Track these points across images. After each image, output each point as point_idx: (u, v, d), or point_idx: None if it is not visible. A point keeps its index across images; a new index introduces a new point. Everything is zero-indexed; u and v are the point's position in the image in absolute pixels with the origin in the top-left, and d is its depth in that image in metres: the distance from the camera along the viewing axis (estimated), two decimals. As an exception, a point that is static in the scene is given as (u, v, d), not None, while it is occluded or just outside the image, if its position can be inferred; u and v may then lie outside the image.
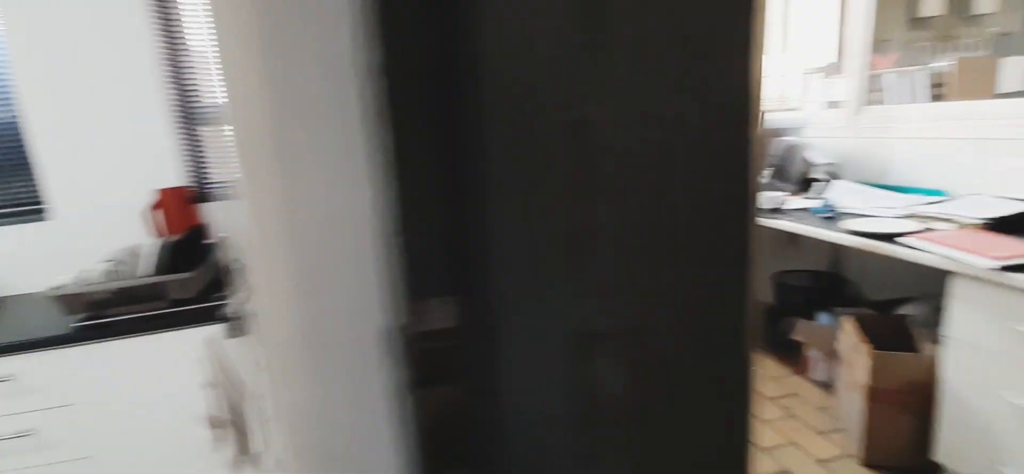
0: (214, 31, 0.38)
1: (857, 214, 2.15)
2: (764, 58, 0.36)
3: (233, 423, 1.17)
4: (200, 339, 1.63)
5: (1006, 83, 10.16)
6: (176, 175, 2.05)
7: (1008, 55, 10.41)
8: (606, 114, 0.35)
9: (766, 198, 2.44)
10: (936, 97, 9.28)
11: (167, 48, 1.98)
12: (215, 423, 1.37)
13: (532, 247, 0.37)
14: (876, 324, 2.09)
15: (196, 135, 2.09)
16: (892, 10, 11.23)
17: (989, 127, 2.12)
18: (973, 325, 1.58)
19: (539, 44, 0.34)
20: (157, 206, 1.99)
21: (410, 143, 0.39)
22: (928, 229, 1.84)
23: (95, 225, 2.00)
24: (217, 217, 2.12)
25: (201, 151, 2.11)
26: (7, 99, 1.93)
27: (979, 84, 7.93)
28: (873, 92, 7.98)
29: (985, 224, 1.75)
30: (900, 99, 7.74)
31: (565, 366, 0.39)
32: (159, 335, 1.63)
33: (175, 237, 1.80)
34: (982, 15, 11.40)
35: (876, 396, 1.86)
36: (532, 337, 0.39)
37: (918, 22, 11.14)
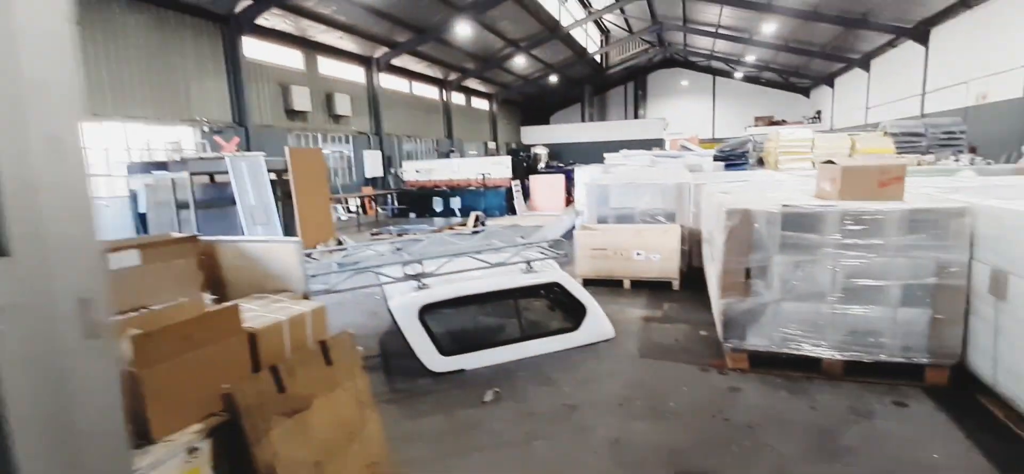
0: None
1: None
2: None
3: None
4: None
5: (369, 170, 11.60)
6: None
7: (367, 149, 12.17)
8: None
9: None
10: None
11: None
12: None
13: None
14: None
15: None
16: (274, 101, 11.45)
17: None
18: None
19: None
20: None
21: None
22: None
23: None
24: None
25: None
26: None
27: (311, 167, 8.52)
28: (221, 174, 7.82)
29: None
30: (238, 178, 7.82)
31: None
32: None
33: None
34: (343, 116, 13.28)
35: None
36: None
37: (294, 113, 11.91)
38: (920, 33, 14.40)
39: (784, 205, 3.02)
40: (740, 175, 6.07)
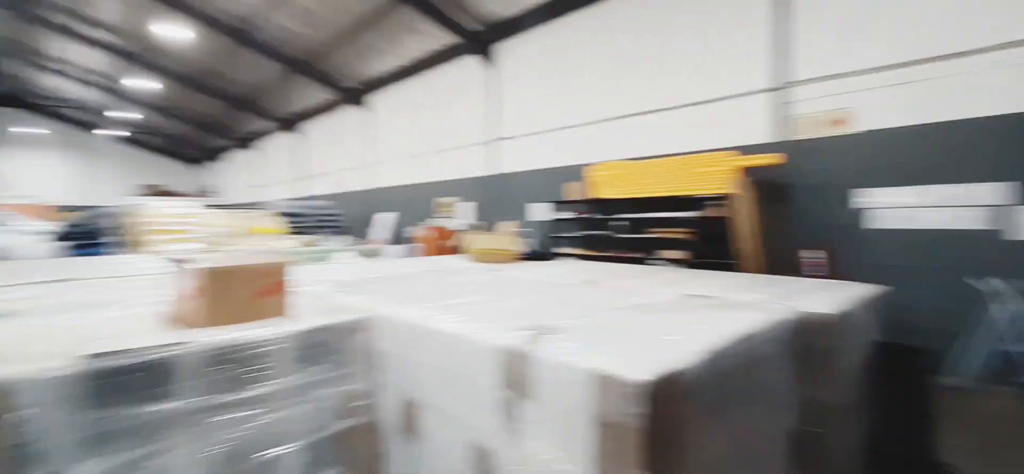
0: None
1: None
2: None
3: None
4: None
5: None
6: None
7: None
8: None
9: None
10: None
11: None
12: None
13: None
14: None
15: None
16: None
17: None
18: None
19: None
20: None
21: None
22: None
23: None
24: None
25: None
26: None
27: None
28: None
29: None
30: None
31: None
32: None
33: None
34: None
35: None
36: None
37: None
38: (289, 124, 16.24)
39: (94, 354, 1.50)
40: (62, 267, 3.93)
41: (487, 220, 9.64)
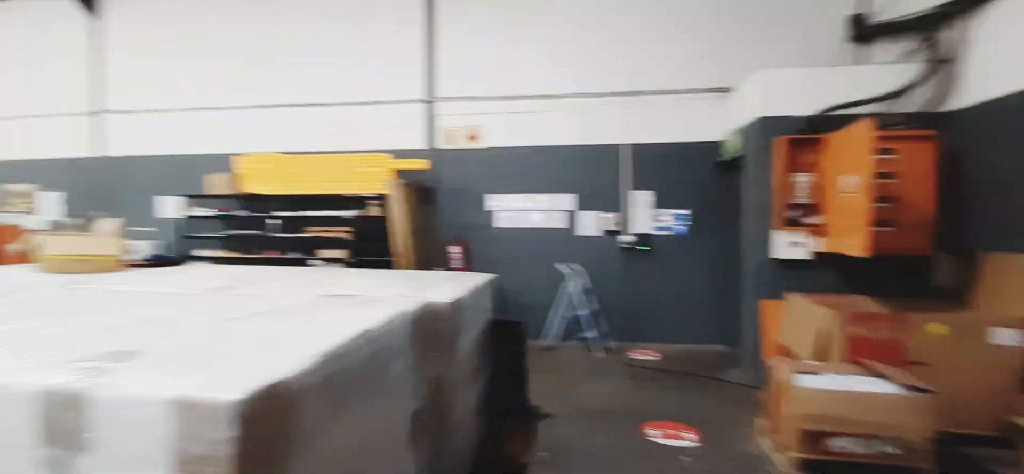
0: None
1: None
2: None
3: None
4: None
5: None
6: None
7: None
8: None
9: None
10: None
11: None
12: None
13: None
14: None
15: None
16: None
17: None
18: None
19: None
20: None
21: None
22: None
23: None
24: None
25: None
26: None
27: None
28: None
29: None
30: None
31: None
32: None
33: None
34: None
35: None
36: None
37: None
38: None
39: None
40: None
41: (85, 216, 7.31)
